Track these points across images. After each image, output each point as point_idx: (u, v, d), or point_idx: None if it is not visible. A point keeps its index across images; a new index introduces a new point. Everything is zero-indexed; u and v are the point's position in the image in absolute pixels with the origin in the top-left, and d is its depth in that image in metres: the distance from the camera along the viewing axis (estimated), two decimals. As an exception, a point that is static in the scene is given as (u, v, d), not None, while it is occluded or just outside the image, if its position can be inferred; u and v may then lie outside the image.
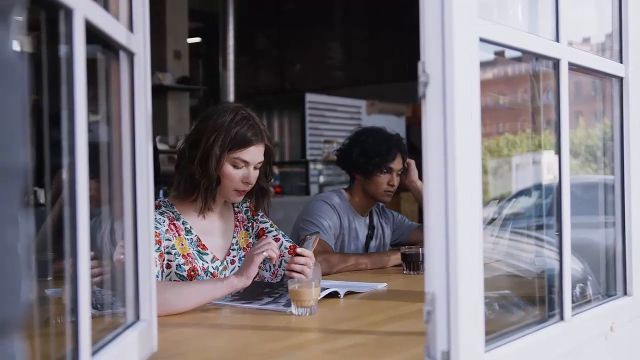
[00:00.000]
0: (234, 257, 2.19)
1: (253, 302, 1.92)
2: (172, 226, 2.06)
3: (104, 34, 1.11)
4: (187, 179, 2.08)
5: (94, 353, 1.03)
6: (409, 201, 6.27)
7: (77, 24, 0.96)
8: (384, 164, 2.86)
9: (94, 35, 1.05)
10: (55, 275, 1.32)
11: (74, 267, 0.96)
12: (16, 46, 0.57)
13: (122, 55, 1.28)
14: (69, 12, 0.95)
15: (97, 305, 1.30)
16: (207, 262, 2.10)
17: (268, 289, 2.04)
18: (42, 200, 2.22)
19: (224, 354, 1.50)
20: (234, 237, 2.21)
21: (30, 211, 0.63)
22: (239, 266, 2.16)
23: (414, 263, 2.55)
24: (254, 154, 2.08)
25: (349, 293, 2.08)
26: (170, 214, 2.09)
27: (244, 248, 2.23)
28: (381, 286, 2.25)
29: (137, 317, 1.31)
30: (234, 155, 2.05)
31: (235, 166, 2.07)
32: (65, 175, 0.96)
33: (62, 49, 0.96)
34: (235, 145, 2.04)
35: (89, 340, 0.98)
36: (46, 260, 1.50)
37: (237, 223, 2.25)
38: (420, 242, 2.86)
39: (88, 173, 0.98)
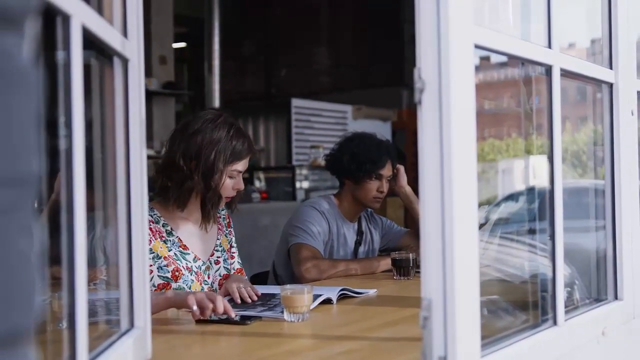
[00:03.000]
0: (218, 257, 2.28)
1: (248, 310, 1.91)
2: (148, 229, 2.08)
3: (100, 40, 1.11)
4: (184, 192, 2.13)
5: (90, 361, 1.02)
6: (394, 206, 6.27)
7: (74, 30, 0.95)
8: (374, 170, 2.85)
9: (88, 41, 1.05)
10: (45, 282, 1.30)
11: (70, 275, 0.95)
12: (29, 54, 0.57)
13: (116, 61, 1.27)
14: (66, 18, 0.94)
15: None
16: (189, 262, 2.16)
17: (261, 301, 2.03)
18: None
19: (218, 360, 1.49)
20: (218, 239, 2.30)
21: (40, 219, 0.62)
22: (224, 267, 2.27)
23: (404, 268, 2.55)
24: (246, 163, 2.22)
25: (342, 296, 2.08)
26: (149, 217, 2.12)
27: (226, 250, 2.32)
28: (372, 292, 2.25)
29: (132, 325, 1.30)
30: (232, 167, 2.17)
31: (231, 177, 2.18)
32: (62, 180, 0.95)
33: (59, 55, 0.96)
34: (235, 159, 2.16)
35: (86, 348, 0.97)
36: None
37: (220, 226, 2.34)
38: (409, 247, 2.86)
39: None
